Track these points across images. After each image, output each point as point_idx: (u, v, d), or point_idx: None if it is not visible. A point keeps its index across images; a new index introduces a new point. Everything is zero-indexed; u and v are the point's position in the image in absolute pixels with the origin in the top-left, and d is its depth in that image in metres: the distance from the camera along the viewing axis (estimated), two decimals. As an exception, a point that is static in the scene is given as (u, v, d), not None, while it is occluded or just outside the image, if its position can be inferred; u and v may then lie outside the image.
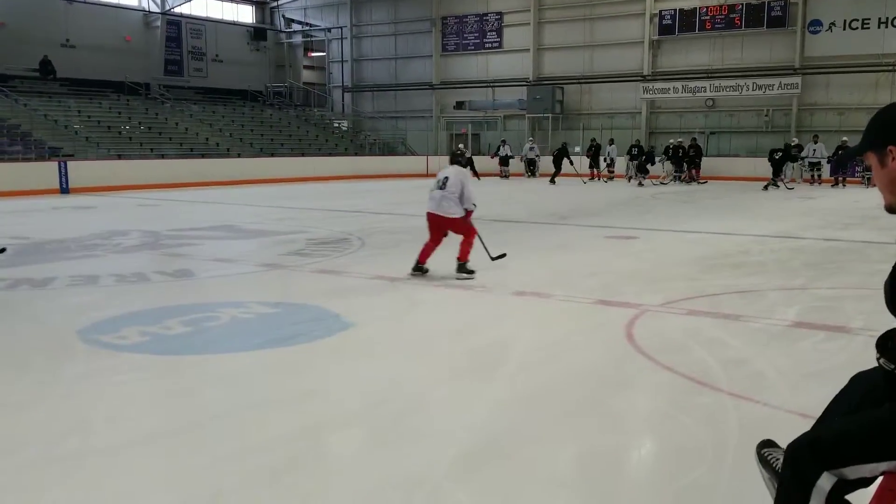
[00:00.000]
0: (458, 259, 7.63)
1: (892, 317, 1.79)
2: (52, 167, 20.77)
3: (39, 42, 28.51)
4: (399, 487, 3.11)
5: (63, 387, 4.42)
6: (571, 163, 26.17)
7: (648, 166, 25.10)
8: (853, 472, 1.69)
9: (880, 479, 1.76)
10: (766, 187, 22.24)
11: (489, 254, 8.09)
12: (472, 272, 7.58)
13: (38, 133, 23.32)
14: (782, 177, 23.27)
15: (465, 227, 7.69)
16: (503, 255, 8.34)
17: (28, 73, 27.94)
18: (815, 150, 24.31)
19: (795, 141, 24.82)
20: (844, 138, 22.73)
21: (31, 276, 7.77)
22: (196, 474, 3.24)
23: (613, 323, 5.81)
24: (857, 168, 23.46)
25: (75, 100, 27.33)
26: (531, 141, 30.26)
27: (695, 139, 26.68)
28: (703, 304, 6.49)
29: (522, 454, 3.44)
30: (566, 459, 3.44)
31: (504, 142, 30.47)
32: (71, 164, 21.12)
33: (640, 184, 24.17)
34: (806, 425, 2.06)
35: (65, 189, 20.54)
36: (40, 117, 24.28)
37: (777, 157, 22.92)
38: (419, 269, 7.68)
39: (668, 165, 25.66)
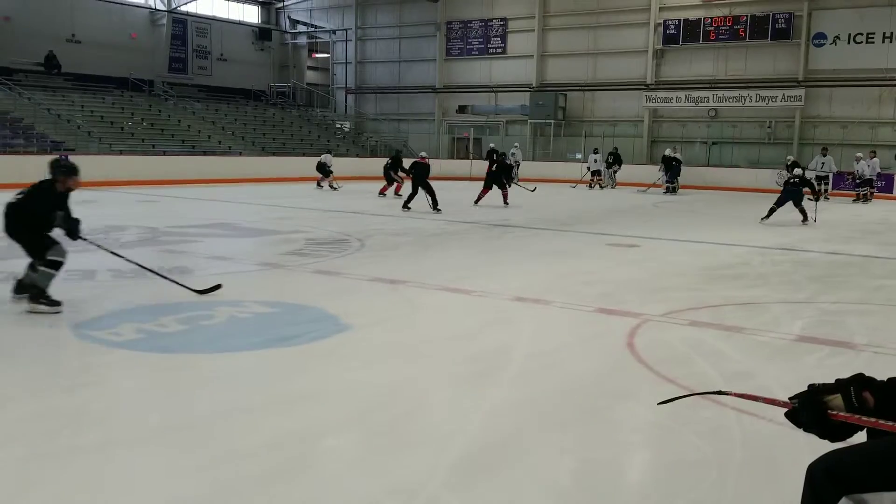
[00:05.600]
0: None
1: None
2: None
3: (45, 37, 28.38)
4: (394, 496, 3.03)
5: (54, 381, 4.35)
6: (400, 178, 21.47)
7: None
8: (875, 499, 1.60)
9: None
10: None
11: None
12: None
13: (41, 127, 23.28)
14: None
15: None
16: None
17: (33, 68, 27.85)
18: (822, 163, 22.61)
19: (791, 159, 22.64)
20: (859, 154, 22.59)
21: (27, 270, 7.67)
22: (184, 478, 3.17)
23: (614, 332, 5.74)
24: (849, 181, 23.29)
25: (79, 95, 27.26)
26: (515, 146, 29.74)
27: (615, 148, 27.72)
28: (705, 315, 6.42)
29: (520, 463, 3.37)
30: (565, 470, 3.37)
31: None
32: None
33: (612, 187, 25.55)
34: (809, 444, 1.98)
35: (65, 183, 20.43)
36: (43, 111, 24.21)
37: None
38: None
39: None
